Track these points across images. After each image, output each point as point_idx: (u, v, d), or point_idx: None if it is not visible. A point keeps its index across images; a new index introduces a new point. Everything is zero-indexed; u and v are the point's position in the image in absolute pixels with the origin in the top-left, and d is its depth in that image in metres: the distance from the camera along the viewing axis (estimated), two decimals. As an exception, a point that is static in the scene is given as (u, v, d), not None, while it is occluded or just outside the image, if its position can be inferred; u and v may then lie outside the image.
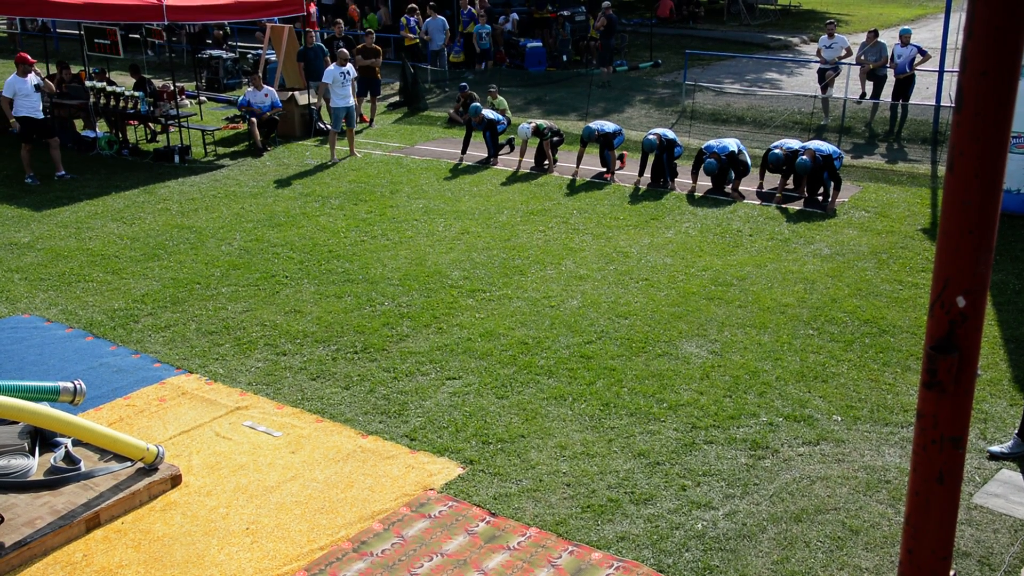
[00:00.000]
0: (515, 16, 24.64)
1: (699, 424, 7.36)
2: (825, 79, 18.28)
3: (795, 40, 29.30)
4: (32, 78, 14.32)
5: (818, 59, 18.70)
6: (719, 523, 6.19)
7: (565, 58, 24.63)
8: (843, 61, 18.24)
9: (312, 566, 5.81)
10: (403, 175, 14.83)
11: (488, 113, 15.66)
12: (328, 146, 16.28)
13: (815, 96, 18.40)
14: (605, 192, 13.71)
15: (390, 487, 6.61)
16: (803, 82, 22.66)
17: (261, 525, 6.21)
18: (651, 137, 13.74)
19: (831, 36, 18.27)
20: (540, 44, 24.05)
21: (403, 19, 22.82)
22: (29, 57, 14.64)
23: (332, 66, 15.91)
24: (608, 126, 14.52)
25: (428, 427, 7.41)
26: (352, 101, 15.94)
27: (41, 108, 14.70)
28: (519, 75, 22.63)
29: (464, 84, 18.65)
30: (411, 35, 22.54)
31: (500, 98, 17.37)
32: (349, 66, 15.87)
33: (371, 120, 18.82)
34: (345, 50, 16.42)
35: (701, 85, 19.40)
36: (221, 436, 7.30)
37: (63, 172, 14.83)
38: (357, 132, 17.16)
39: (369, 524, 6.21)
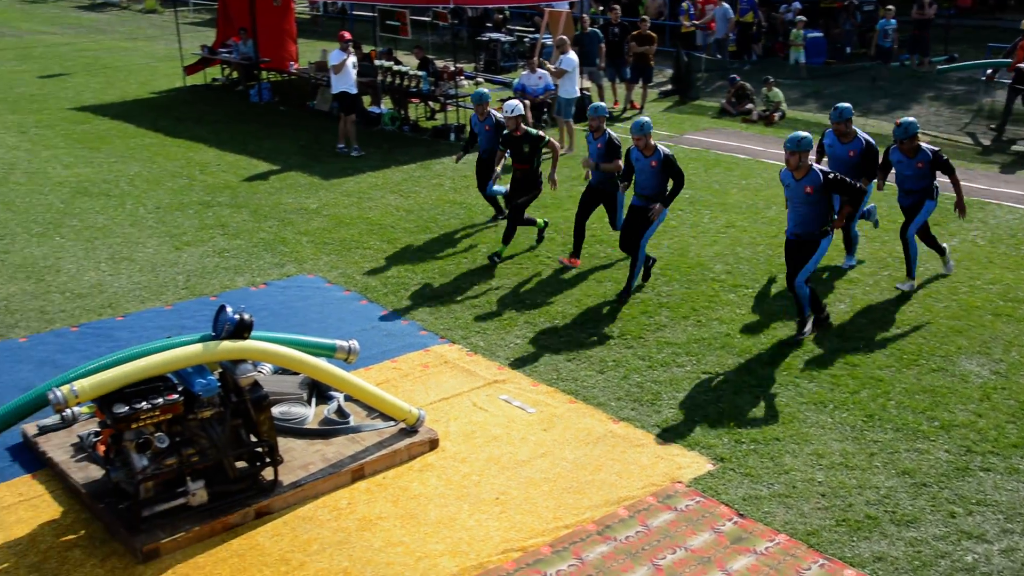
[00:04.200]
0: (797, 4, 23.72)
1: (975, 448, 6.81)
2: None
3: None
4: (350, 55, 15.44)
5: None
6: (993, 559, 5.69)
7: (849, 50, 23.45)
8: None
9: (557, 543, 5.90)
10: (670, 164, 14.68)
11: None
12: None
13: None
14: (885, 194, 12.96)
15: (638, 475, 6.59)
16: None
17: (510, 496, 6.37)
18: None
19: None
20: (821, 35, 23.02)
21: (684, 4, 22.55)
22: (348, 34, 15.80)
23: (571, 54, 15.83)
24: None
25: (680, 419, 7.32)
26: (578, 93, 15.82)
27: (354, 83, 15.77)
28: (795, 67, 21.77)
29: (734, 76, 18.20)
30: (689, 23, 22.24)
31: (776, 90, 16.80)
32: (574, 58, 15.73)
33: (641, 107, 18.77)
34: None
35: (1002, 82, 17.84)
36: (478, 407, 7.55)
37: (357, 148, 15.83)
38: (628, 119, 17.13)
39: (614, 509, 6.22)
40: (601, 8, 24.53)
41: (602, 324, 9.01)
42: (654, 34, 18.81)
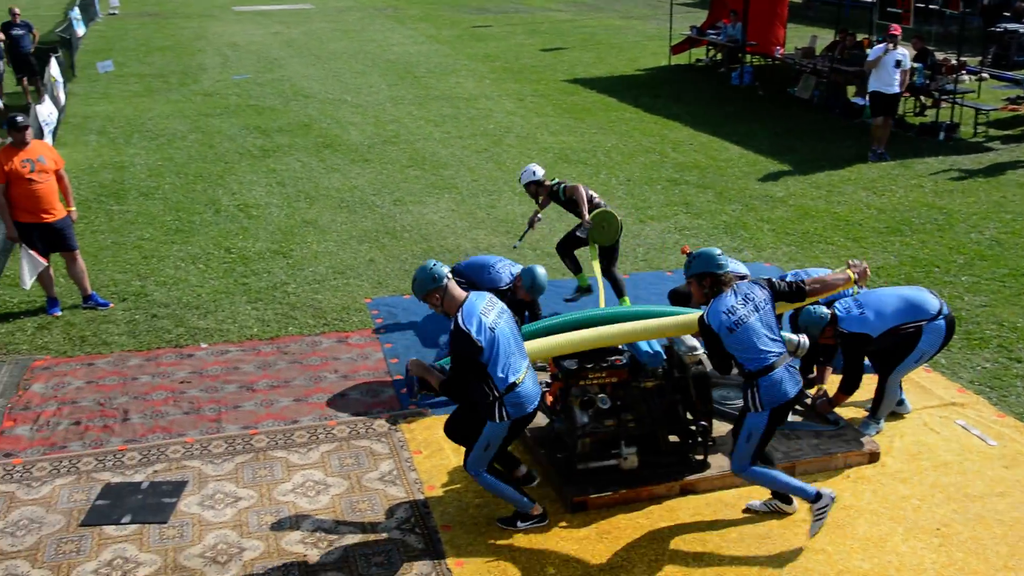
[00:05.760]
0: None
1: None
2: None
3: None
4: (899, 52, 13.92)
5: None
6: None
7: None
8: None
9: (1001, 594, 5.28)
10: None
11: None
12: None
13: None
14: None
15: (1116, 542, 5.67)
16: None
17: (953, 531, 5.81)
18: None
19: None
20: None
21: None
22: (897, 28, 14.25)
23: None
24: None
25: None
26: None
27: (897, 83, 14.08)
28: None
29: None
30: None
31: None
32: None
33: None
34: None
35: None
36: (929, 428, 6.96)
37: (883, 151, 14.30)
38: None
39: (1080, 574, 5.41)
40: None
41: (1094, 362, 7.85)
42: None
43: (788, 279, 6.04)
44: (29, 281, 8.76)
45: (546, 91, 20.06)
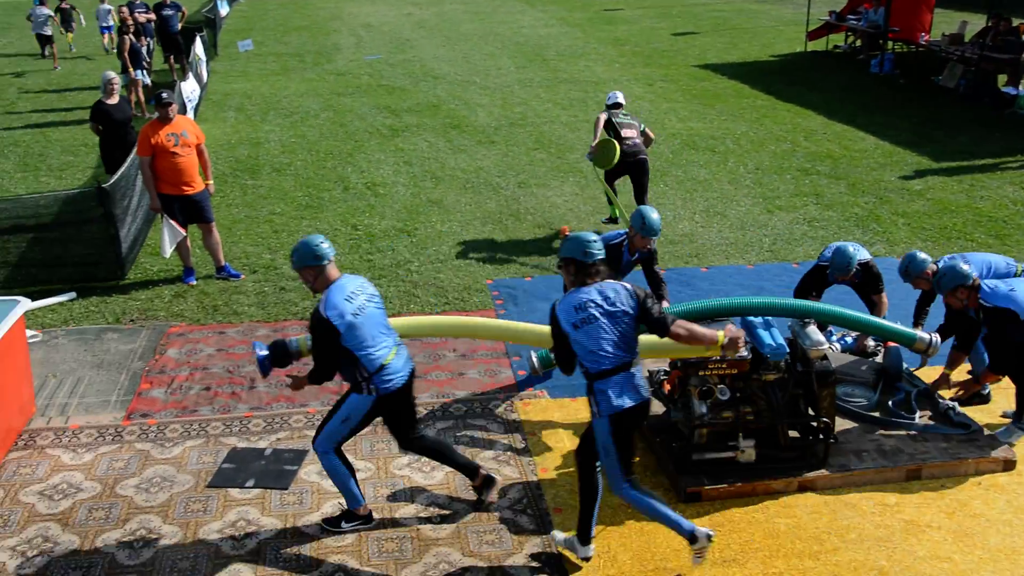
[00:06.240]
0: None
1: None
2: None
3: None
4: None
5: None
6: None
7: None
8: None
9: None
10: None
11: None
12: None
13: None
14: None
15: None
16: None
17: (1093, 548, 5.49)
18: None
19: None
20: None
21: None
22: None
23: None
24: None
25: None
26: None
27: None
28: None
29: None
30: None
31: None
32: None
33: None
34: None
35: None
36: (1071, 437, 6.59)
37: None
38: None
39: None
40: None
41: None
42: None
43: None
44: (169, 250, 9.15)
45: (676, 76, 19.77)
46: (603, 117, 10.47)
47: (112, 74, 11.44)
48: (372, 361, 5.32)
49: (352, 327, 5.24)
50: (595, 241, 5.14)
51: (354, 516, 5.68)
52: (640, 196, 10.40)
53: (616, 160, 10.15)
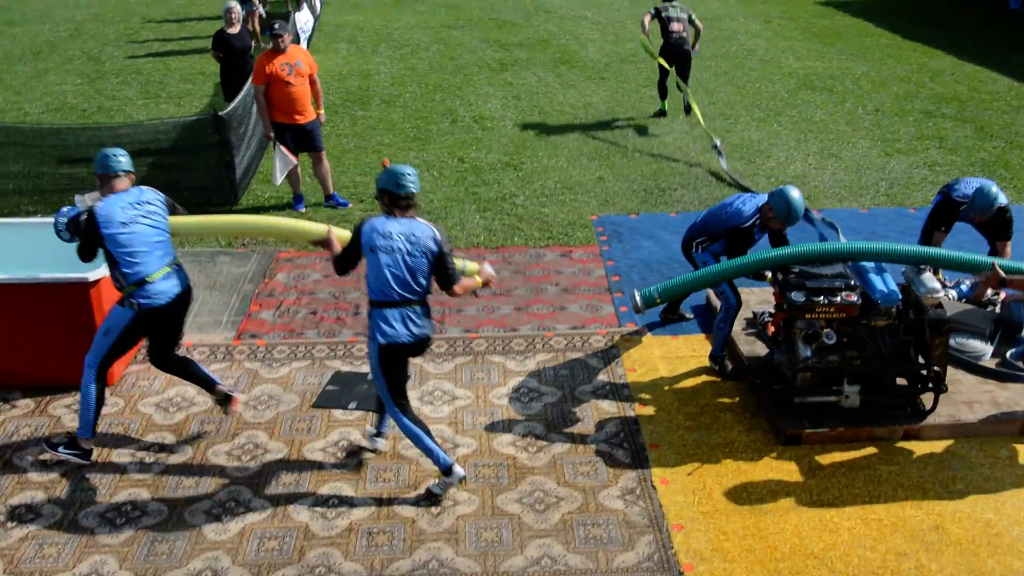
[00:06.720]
0: None
1: None
2: None
3: None
4: None
5: None
6: None
7: None
8: None
9: None
10: None
11: None
12: None
13: None
14: None
15: None
16: None
17: None
18: None
19: None
20: None
21: None
22: None
23: None
24: None
25: None
26: None
27: None
28: None
29: None
30: None
31: None
32: None
33: None
34: None
35: None
36: None
37: None
38: None
39: None
40: None
41: None
42: None
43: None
44: (280, 177, 9.35)
45: (796, 13, 19.07)
46: (647, 20, 12.11)
47: (233, 3, 11.64)
48: (133, 275, 5.50)
49: (117, 239, 5.47)
50: (409, 175, 5.25)
51: (75, 445, 5.73)
52: (684, 79, 12.00)
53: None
